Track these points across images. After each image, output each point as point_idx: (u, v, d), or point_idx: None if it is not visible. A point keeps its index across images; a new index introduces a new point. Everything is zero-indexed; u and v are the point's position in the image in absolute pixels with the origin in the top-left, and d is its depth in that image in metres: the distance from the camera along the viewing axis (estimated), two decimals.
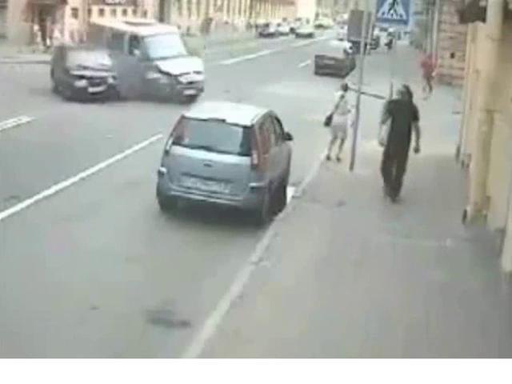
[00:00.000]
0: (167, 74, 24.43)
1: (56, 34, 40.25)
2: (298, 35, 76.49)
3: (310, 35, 77.55)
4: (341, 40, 44.82)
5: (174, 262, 10.24)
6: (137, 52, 25.11)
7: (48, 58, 34.70)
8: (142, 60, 24.78)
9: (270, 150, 12.51)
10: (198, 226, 11.60)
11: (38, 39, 38.23)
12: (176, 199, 12.24)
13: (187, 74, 24.63)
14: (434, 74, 31.49)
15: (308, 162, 16.15)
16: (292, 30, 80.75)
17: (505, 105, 11.14)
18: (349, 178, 15.31)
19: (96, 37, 27.41)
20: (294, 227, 11.84)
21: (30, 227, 11.07)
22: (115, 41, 25.99)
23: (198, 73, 25.17)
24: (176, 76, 24.42)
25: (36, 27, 38.31)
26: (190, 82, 24.70)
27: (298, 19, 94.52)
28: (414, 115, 13.37)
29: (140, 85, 23.75)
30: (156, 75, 24.42)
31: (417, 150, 13.54)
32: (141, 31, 26.13)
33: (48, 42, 39.22)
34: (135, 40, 25.47)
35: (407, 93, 13.59)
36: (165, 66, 24.58)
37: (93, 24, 31.69)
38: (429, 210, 13.10)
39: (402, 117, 13.28)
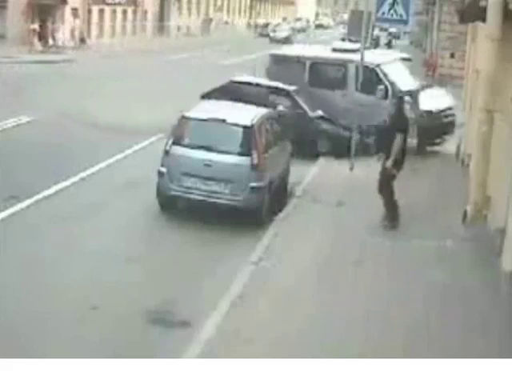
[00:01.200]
0: (429, 112, 18.04)
1: (60, 34, 40.28)
2: (273, 40, 62.06)
3: (286, 40, 61.64)
4: (342, 40, 44.84)
5: (173, 262, 10.24)
6: (380, 87, 17.79)
7: (47, 57, 34.97)
8: (383, 97, 17.65)
9: (270, 150, 12.52)
10: (198, 225, 11.60)
11: (35, 39, 37.95)
12: (176, 199, 12.24)
13: (444, 111, 18.34)
14: (436, 73, 31.64)
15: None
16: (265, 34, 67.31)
17: (505, 105, 11.13)
18: (349, 179, 15.31)
19: (283, 71, 18.89)
20: (294, 227, 11.84)
21: (30, 227, 11.07)
22: (325, 75, 19.04)
23: (450, 109, 18.69)
24: (438, 115, 18.31)
25: (33, 26, 38.04)
26: (450, 123, 18.32)
27: (298, 19, 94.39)
28: (405, 128, 11.96)
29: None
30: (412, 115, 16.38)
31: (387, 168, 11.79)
32: (372, 59, 18.05)
33: (51, 41, 39.22)
34: (367, 71, 17.30)
35: (400, 105, 12.37)
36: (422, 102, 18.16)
37: (276, 55, 20.57)
38: (428, 210, 13.09)
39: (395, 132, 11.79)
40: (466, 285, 9.51)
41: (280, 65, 19.54)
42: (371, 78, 17.55)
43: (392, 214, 11.97)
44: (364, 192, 14.02)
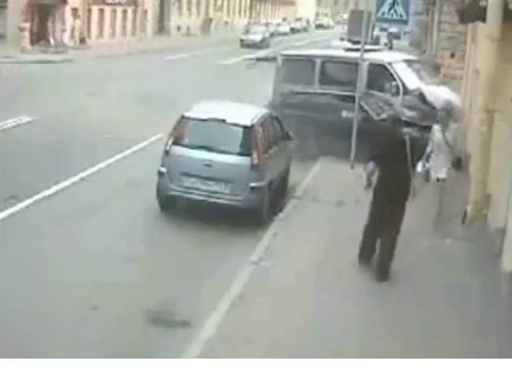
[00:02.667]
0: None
1: (59, 34, 40.24)
2: (244, 44, 54.62)
3: (261, 44, 54.45)
4: (341, 40, 44.86)
5: (174, 262, 10.24)
6: (393, 83, 18.13)
7: (47, 57, 34.94)
8: (395, 94, 18.01)
9: (270, 150, 12.52)
10: (198, 225, 11.60)
11: (24, 38, 37.55)
12: (176, 199, 12.25)
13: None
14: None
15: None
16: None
17: (505, 105, 11.13)
18: (349, 178, 15.28)
19: (293, 70, 19.30)
20: (294, 227, 11.84)
21: (29, 227, 11.07)
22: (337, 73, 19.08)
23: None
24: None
25: (23, 25, 37.72)
26: None
27: (299, 19, 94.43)
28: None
29: None
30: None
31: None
32: (384, 57, 19.02)
33: (52, 41, 39.16)
34: (380, 69, 18.22)
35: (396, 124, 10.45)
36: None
37: (287, 55, 20.82)
38: (428, 210, 13.06)
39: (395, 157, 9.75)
40: (466, 285, 9.51)
41: (290, 64, 19.65)
42: (383, 76, 18.02)
43: (362, 248, 9.96)
44: (364, 191, 14.01)
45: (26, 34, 37.44)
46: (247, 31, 59.54)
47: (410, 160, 9.69)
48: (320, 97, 17.26)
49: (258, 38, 56.33)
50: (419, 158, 10.19)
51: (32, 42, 37.91)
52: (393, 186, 9.63)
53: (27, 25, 37.81)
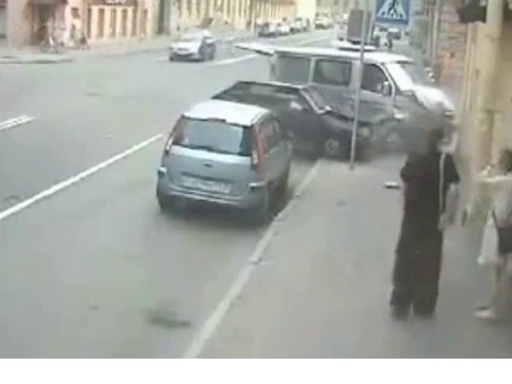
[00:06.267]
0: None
1: (59, 33, 40.29)
2: (174, 58, 39.67)
3: (199, 55, 40.46)
4: (340, 40, 44.89)
5: (174, 262, 10.24)
6: (386, 83, 18.46)
7: (47, 57, 34.97)
8: (387, 94, 18.37)
9: (270, 150, 12.52)
10: (198, 225, 11.60)
11: (47, 37, 38.02)
12: (176, 199, 12.24)
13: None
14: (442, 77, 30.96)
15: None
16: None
17: (505, 105, 11.14)
18: (349, 178, 15.30)
19: (288, 68, 19.59)
20: (294, 227, 11.84)
21: (30, 227, 11.07)
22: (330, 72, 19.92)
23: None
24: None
25: (46, 23, 37.99)
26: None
27: (298, 19, 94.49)
28: (446, 174, 8.22)
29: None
30: None
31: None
32: (375, 57, 19.12)
33: (51, 41, 39.20)
34: (377, 70, 18.55)
35: (434, 139, 8.42)
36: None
37: (282, 52, 20.78)
38: None
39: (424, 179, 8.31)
40: (466, 285, 9.51)
41: (285, 61, 19.90)
42: (376, 75, 18.27)
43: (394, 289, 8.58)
44: (365, 191, 14.03)
45: (50, 32, 37.96)
46: (184, 38, 43.04)
47: (441, 180, 8.15)
48: (265, 88, 17.49)
49: (193, 47, 40.61)
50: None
51: (32, 42, 38.01)
52: (421, 211, 8.29)
53: (50, 23, 38.40)
